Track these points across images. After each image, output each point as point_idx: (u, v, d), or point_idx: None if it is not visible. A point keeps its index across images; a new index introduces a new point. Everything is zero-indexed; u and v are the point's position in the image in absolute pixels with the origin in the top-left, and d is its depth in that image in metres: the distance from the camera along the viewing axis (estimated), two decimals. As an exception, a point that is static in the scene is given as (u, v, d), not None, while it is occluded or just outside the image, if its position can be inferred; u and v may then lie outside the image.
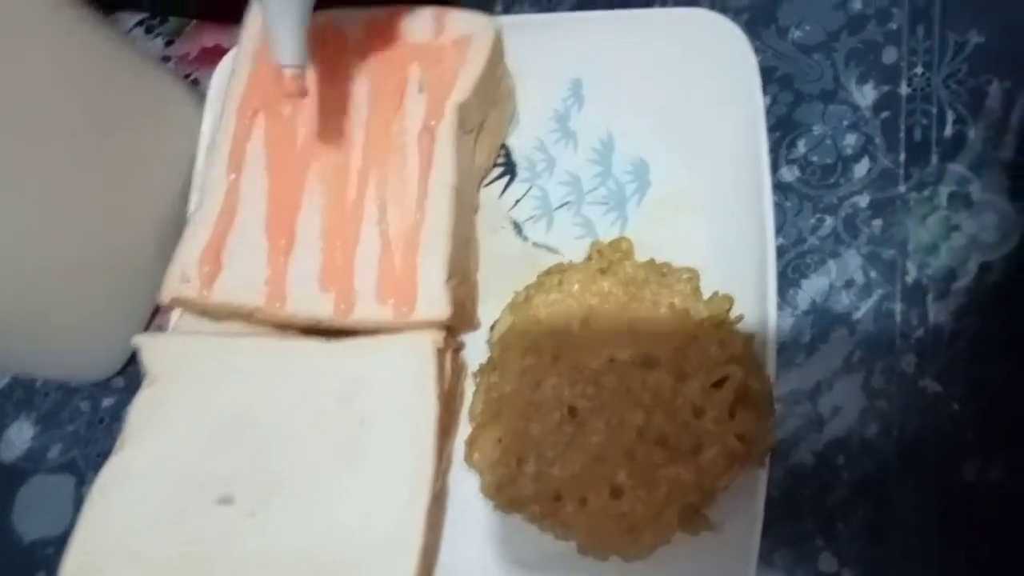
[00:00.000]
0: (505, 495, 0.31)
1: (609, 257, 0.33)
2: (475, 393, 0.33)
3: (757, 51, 0.36)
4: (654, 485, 0.29)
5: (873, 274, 0.35)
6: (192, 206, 0.38)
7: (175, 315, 0.37)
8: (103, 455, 0.43)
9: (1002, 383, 0.33)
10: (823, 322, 0.35)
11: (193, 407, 0.33)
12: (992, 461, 0.32)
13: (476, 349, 0.37)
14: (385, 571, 0.31)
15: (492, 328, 0.34)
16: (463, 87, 0.34)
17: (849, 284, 0.35)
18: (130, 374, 0.44)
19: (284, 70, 0.29)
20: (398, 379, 0.33)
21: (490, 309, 0.38)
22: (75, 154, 0.37)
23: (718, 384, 0.30)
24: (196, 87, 0.48)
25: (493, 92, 0.37)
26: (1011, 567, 0.32)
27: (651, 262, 0.33)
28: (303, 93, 0.30)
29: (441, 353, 0.33)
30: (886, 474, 0.33)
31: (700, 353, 0.30)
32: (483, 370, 0.34)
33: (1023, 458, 0.32)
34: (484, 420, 0.32)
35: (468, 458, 0.32)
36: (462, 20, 0.36)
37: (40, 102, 0.34)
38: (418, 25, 0.36)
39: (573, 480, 0.30)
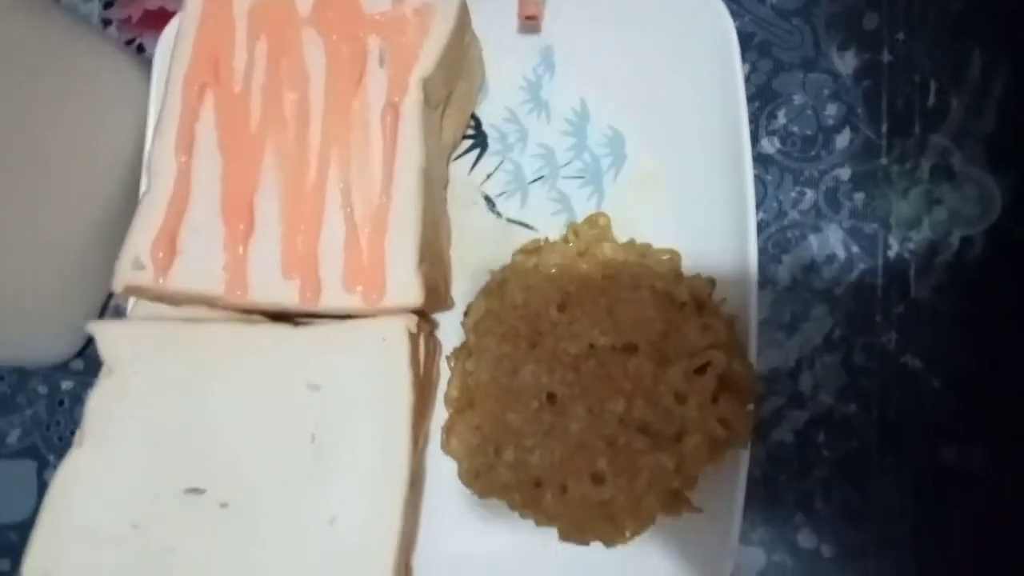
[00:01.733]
0: (483, 483, 0.30)
1: (586, 238, 0.32)
2: (450, 379, 0.32)
3: (734, 16, 0.35)
4: (635, 472, 0.28)
5: (855, 249, 0.34)
6: (142, 188, 0.36)
7: (131, 302, 0.36)
8: (64, 439, 0.42)
9: (983, 360, 0.33)
10: (804, 299, 0.35)
11: (154, 398, 0.32)
12: (972, 443, 0.32)
13: (450, 326, 0.36)
14: (364, 560, 0.30)
15: (466, 313, 0.33)
16: (427, 60, 0.32)
17: (831, 259, 0.35)
18: (89, 356, 0.42)
19: None
20: (370, 366, 0.32)
21: (464, 287, 0.37)
22: (12, 130, 0.34)
23: (700, 370, 0.29)
24: (141, 54, 0.45)
25: (460, 62, 0.35)
26: (986, 550, 0.32)
27: (630, 243, 0.32)
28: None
29: (414, 337, 0.32)
30: (866, 454, 0.33)
31: (682, 338, 0.29)
32: (458, 355, 0.33)
33: (1002, 440, 0.32)
34: (460, 407, 0.31)
35: (445, 445, 0.31)
36: (424, -14, 0.33)
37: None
38: (376, -8, 0.33)
39: (553, 468, 0.29)
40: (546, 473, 0.29)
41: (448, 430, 0.31)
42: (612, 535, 0.29)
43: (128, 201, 0.39)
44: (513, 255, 0.34)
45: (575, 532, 0.29)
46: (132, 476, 0.31)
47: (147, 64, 0.40)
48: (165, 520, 0.31)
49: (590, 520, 0.29)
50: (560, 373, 0.30)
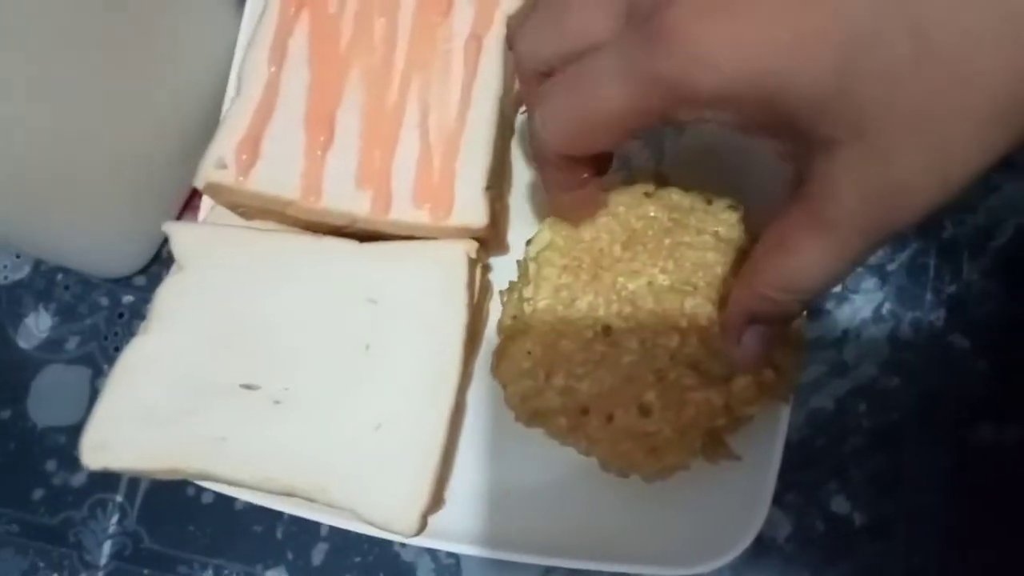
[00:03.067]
0: (529, 406, 0.31)
1: (650, 181, 0.33)
2: (505, 306, 0.33)
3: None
4: (682, 407, 0.29)
5: (910, 227, 0.35)
6: (229, 97, 0.37)
7: (204, 211, 0.37)
8: (121, 350, 0.43)
9: (1030, 343, 0.33)
10: (855, 272, 0.35)
11: (219, 296, 0.33)
12: (1011, 423, 0.33)
13: (502, 273, 0.37)
14: (405, 470, 0.31)
15: (528, 243, 0.34)
16: (513, -2, 0.34)
17: (885, 235, 0.35)
18: (152, 273, 0.43)
19: None
20: (428, 286, 0.33)
21: (520, 235, 0.37)
22: (110, 40, 0.36)
23: (755, 314, 0.29)
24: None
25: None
26: (1017, 529, 0.32)
27: (697, 191, 0.33)
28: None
29: (473, 263, 0.33)
30: (905, 427, 0.33)
31: (740, 282, 0.29)
32: (513, 287, 0.33)
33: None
34: (513, 333, 0.32)
35: (494, 369, 0.32)
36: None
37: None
38: (470, -71, 0.35)
39: (601, 396, 0.30)
40: (594, 401, 0.30)
41: (498, 354, 0.32)
42: (653, 467, 0.29)
43: (209, 119, 0.40)
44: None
45: (617, 462, 0.30)
46: (191, 365, 0.32)
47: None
48: (219, 410, 0.32)
49: (633, 450, 0.29)
50: (617, 307, 0.30)
